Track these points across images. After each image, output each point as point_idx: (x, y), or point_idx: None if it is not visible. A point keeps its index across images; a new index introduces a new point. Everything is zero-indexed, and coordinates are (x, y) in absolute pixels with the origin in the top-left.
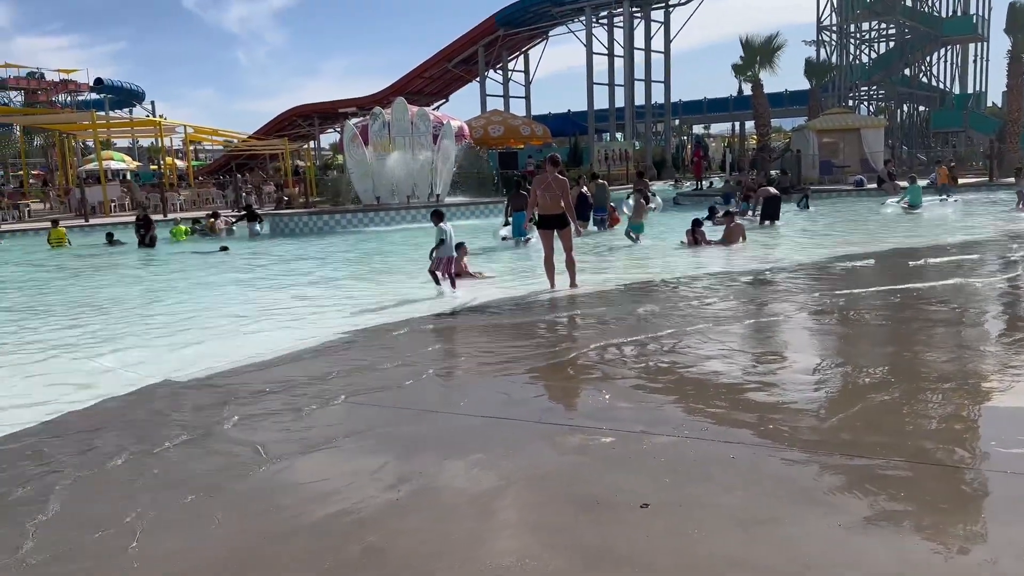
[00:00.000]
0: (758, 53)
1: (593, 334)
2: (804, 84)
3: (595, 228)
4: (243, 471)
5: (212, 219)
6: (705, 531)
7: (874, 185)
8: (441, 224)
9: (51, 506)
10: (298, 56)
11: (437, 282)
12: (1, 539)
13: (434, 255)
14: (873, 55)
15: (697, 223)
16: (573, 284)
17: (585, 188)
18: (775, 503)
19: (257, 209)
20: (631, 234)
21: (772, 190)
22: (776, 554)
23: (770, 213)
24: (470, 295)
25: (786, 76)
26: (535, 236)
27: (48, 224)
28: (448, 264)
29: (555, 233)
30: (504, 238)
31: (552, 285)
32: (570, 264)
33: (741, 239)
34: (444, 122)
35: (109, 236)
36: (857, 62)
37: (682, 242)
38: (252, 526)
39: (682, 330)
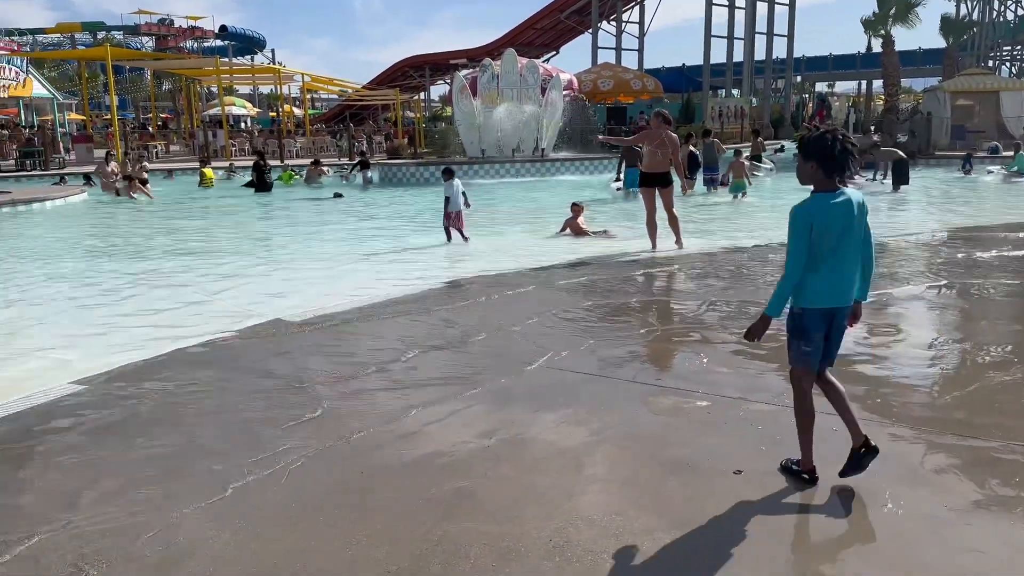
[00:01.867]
0: (893, 6)
1: (692, 296)
2: (939, 42)
3: (704, 189)
4: (342, 408)
5: (313, 167)
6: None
7: (1010, 153)
8: (450, 181)
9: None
10: (412, 5)
11: (448, 237)
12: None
13: (443, 211)
14: (1021, 11)
15: None
16: (679, 243)
17: (693, 147)
18: (879, 480)
19: (369, 159)
20: (733, 194)
21: (899, 152)
22: (879, 533)
23: (899, 177)
24: (571, 251)
25: (920, 32)
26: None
27: (197, 165)
28: (455, 219)
29: (656, 192)
30: (618, 188)
31: (654, 246)
32: (673, 222)
33: None
34: (553, 75)
35: (251, 182)
36: (1001, 19)
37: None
38: (352, 460)
39: None
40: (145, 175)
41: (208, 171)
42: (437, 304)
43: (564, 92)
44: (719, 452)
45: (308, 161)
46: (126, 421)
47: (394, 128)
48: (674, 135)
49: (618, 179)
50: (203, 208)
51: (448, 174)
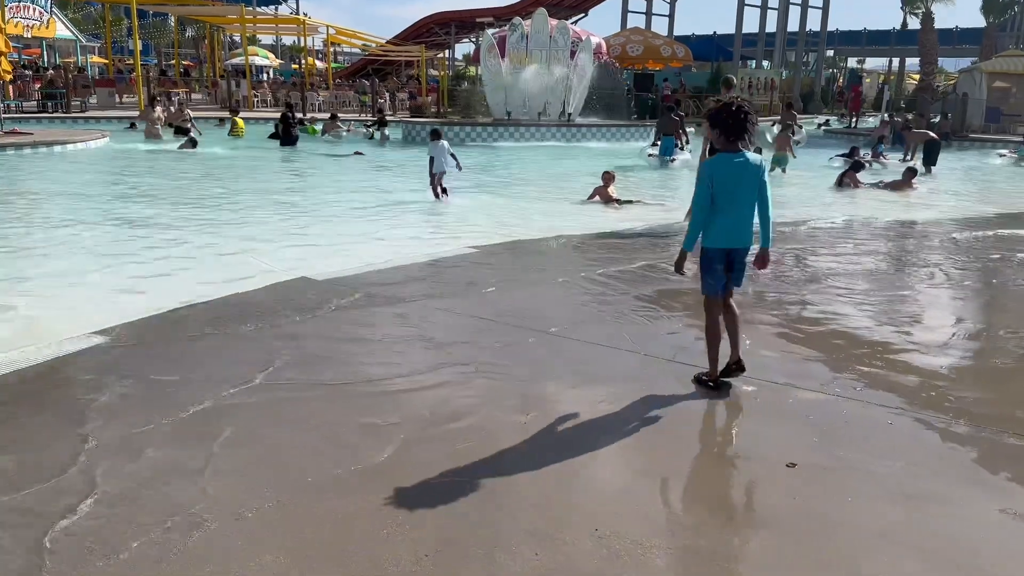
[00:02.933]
0: None
1: None
2: (976, 21)
3: None
4: (368, 375)
5: (331, 121)
6: (858, 500)
7: (1018, 139)
8: (435, 142)
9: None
10: None
11: (436, 196)
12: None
13: (429, 172)
14: None
15: (857, 166)
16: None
17: None
18: (936, 479)
19: (389, 116)
20: (775, 167)
21: (931, 134)
22: (936, 535)
23: (929, 159)
24: (612, 220)
25: (957, 11)
26: (679, 158)
27: (227, 114)
28: (439, 179)
29: None
30: (650, 155)
31: None
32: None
33: (908, 188)
34: (583, 37)
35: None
36: None
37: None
38: (363, 419)
39: (836, 279)
40: (188, 124)
41: (240, 120)
42: (463, 270)
43: (594, 55)
44: (769, 441)
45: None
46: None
47: (418, 85)
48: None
49: (654, 145)
50: (229, 161)
51: (435, 135)
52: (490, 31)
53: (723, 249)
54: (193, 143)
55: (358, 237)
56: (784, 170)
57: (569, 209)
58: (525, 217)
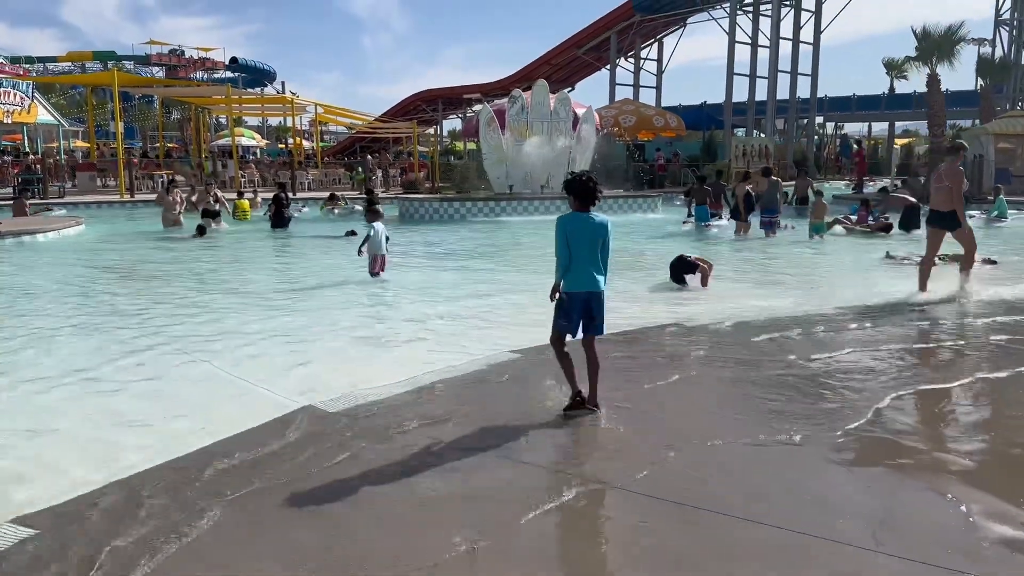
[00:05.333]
0: (937, 45)
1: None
2: (966, 83)
3: (761, 232)
4: None
5: (331, 200)
6: None
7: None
8: (375, 222)
9: None
10: (420, 42)
11: (372, 274)
12: None
13: (363, 251)
14: None
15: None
16: (965, 282)
17: (749, 187)
18: None
19: (382, 193)
20: (813, 234)
21: (911, 199)
22: None
23: (909, 223)
24: (707, 304)
25: (945, 75)
26: (716, 224)
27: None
28: (378, 262)
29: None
30: (684, 222)
31: (923, 288)
32: (968, 262)
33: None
34: (585, 108)
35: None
36: None
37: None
38: None
39: None
40: (216, 206)
41: (244, 202)
42: (509, 387)
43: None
44: None
45: (320, 194)
46: None
47: (409, 161)
48: (957, 168)
49: (690, 215)
50: (214, 252)
51: (373, 214)
52: (489, 104)
53: (578, 292)
54: (201, 230)
55: (366, 345)
56: (822, 236)
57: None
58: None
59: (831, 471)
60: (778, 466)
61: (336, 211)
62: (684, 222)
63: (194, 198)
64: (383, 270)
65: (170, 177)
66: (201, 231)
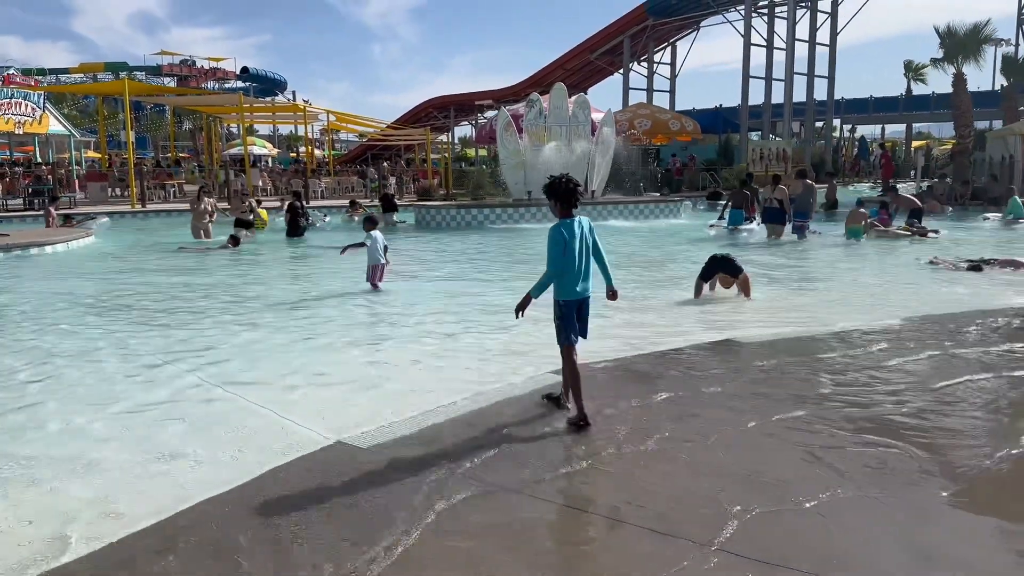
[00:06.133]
0: (963, 44)
1: None
2: (985, 83)
3: (794, 236)
4: None
5: (353, 207)
6: None
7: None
8: (372, 231)
9: None
10: (429, 51)
11: (372, 286)
12: None
13: (367, 265)
14: None
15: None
16: None
17: (776, 190)
18: None
19: (398, 201)
20: (850, 238)
21: (917, 201)
22: None
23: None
24: (757, 316)
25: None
26: (746, 228)
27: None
28: (377, 273)
29: None
30: (711, 225)
31: None
32: None
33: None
34: (600, 112)
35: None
36: None
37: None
38: None
39: None
40: (251, 215)
41: (263, 212)
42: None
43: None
44: None
45: (333, 202)
46: None
47: (421, 168)
48: None
49: (721, 218)
50: (229, 262)
51: (370, 223)
52: (506, 108)
53: (573, 300)
54: (235, 241)
55: (391, 364)
56: (859, 240)
57: (657, 306)
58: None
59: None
60: (901, 527)
61: (356, 218)
62: (711, 225)
63: (224, 206)
64: (383, 280)
65: (202, 185)
66: (235, 241)
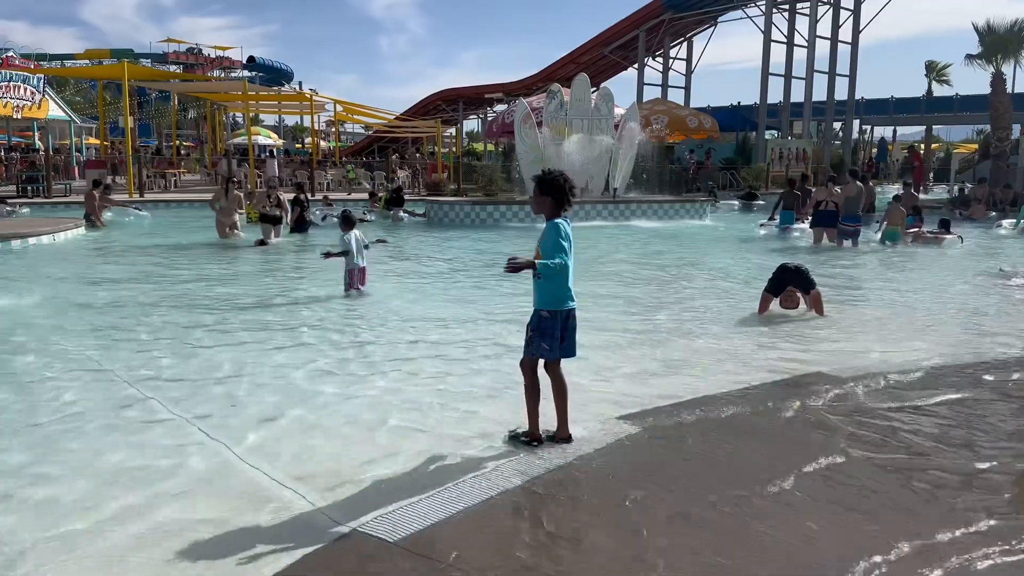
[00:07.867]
0: (1004, 42)
1: None
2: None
3: (848, 242)
4: None
5: (372, 198)
6: None
7: None
8: (350, 232)
9: None
10: (436, 45)
11: (347, 291)
12: None
13: (344, 269)
14: None
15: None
16: None
17: (824, 192)
18: None
19: (409, 195)
20: (885, 240)
21: (917, 198)
22: None
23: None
24: (842, 343)
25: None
26: (797, 228)
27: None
28: (358, 276)
29: None
30: (762, 224)
31: None
32: None
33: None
34: (628, 105)
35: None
36: None
37: (1002, 269)
38: None
39: None
40: (277, 211)
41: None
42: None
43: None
44: None
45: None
46: None
47: (431, 162)
48: None
49: (772, 218)
50: (222, 260)
51: (347, 223)
52: (523, 100)
53: (561, 311)
54: (262, 242)
55: (411, 406)
56: (896, 243)
57: (721, 331)
58: (656, 347)
59: None
60: None
61: (375, 207)
62: (762, 224)
63: (248, 200)
64: (363, 284)
65: (229, 175)
66: (263, 241)
